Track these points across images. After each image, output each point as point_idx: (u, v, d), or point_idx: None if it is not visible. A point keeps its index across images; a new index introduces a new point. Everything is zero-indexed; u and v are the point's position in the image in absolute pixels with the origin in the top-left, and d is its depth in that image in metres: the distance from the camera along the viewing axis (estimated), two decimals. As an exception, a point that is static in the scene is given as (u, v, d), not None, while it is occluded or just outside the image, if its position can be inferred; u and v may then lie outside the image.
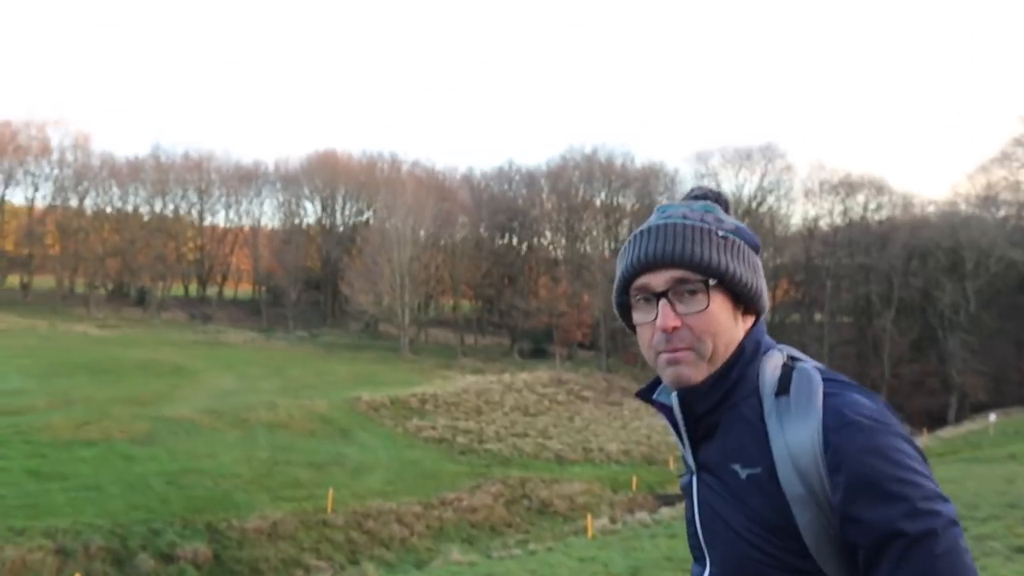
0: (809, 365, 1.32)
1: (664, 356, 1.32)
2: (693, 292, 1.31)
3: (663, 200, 62.02)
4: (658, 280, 1.32)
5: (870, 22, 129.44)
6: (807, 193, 58.35)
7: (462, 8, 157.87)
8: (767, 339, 1.40)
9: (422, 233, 54.02)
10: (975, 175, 57.38)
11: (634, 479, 27.25)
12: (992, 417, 35.38)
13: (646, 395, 1.45)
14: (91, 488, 19.13)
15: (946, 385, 49.22)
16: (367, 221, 68.24)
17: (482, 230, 63.24)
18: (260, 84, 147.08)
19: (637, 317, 1.37)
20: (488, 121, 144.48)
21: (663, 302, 1.31)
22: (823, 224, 58.70)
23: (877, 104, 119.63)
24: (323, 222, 71.35)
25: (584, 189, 62.22)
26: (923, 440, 35.21)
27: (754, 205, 59.02)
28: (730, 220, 1.40)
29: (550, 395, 40.42)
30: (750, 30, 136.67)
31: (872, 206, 57.73)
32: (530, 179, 65.14)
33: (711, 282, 1.30)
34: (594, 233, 61.65)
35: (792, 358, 1.36)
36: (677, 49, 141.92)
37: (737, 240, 1.36)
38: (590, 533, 17.55)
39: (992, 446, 28.97)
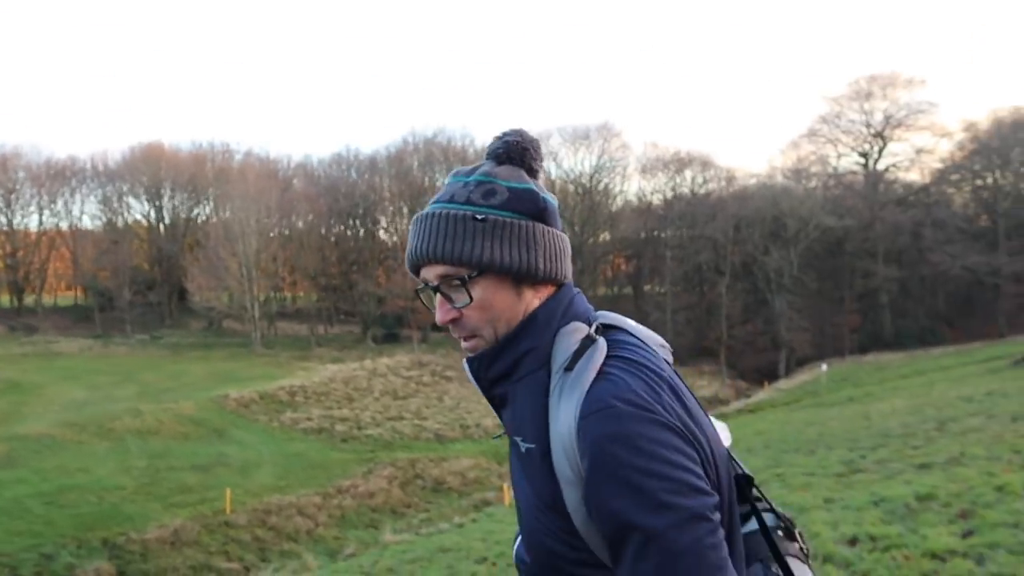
0: (609, 338, 1.28)
1: (462, 343, 1.35)
2: (458, 286, 1.29)
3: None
4: (430, 275, 1.32)
5: (694, 5, 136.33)
6: (642, 170, 61.60)
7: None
8: (577, 307, 1.35)
9: (267, 224, 52.17)
10: (787, 150, 63.05)
11: (515, 450, 28.31)
12: (824, 367, 39.50)
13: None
14: (-39, 518, 17.70)
15: (776, 343, 53.98)
16: (199, 216, 64.90)
17: (330, 220, 61.83)
18: (70, 73, 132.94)
19: (429, 304, 1.37)
20: (323, 107, 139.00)
21: (438, 296, 1.32)
22: (656, 199, 62.18)
23: (702, 83, 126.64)
24: (151, 219, 66.82)
25: (425, 173, 62.25)
26: (764, 393, 38.83)
27: (592, 183, 61.68)
28: (505, 187, 1.32)
29: (415, 377, 40.83)
30: (582, 12, 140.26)
31: (699, 180, 61.85)
32: (370, 165, 64.26)
33: (471, 274, 1.28)
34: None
35: (607, 327, 1.33)
36: (513, 31, 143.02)
37: (503, 218, 1.30)
38: (507, 501, 18.29)
39: (828, 392, 32.49)
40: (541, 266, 1.30)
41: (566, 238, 1.38)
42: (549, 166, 61.18)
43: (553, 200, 1.37)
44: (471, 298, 1.28)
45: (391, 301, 53.72)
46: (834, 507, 8.20)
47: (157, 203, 65.98)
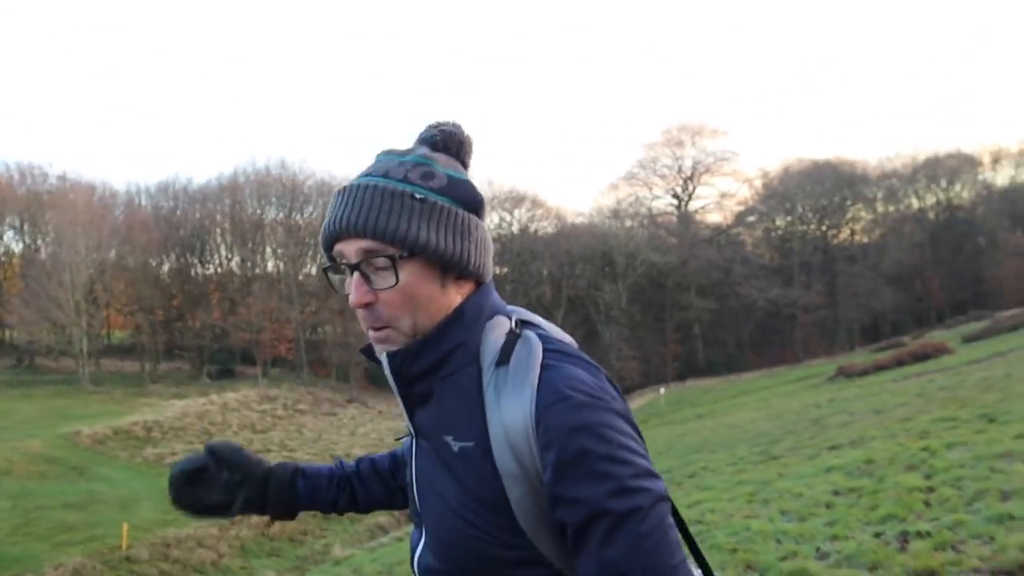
0: (534, 332, 1.25)
1: (371, 332, 1.24)
2: (383, 268, 1.20)
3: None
4: (349, 250, 1.21)
5: (527, 49, 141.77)
6: (479, 206, 63.50)
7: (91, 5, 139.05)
8: (497, 303, 1.31)
9: (98, 255, 48.87)
10: (607, 191, 67.96)
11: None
12: (662, 391, 43.05)
13: (369, 352, 1.33)
14: None
15: (607, 371, 57.35)
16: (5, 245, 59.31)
17: (164, 252, 58.73)
18: None
19: (338, 285, 1.29)
20: (128, 129, 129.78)
21: (356, 276, 1.21)
22: (492, 235, 64.34)
23: (531, 125, 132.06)
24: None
25: (261, 206, 60.85)
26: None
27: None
28: (443, 173, 1.25)
29: (269, 411, 40.02)
30: (413, 46, 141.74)
31: (529, 218, 65.04)
32: (201, 195, 61.75)
33: (401, 254, 1.19)
34: (271, 249, 60.83)
35: (523, 322, 1.30)
36: (353, 61, 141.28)
37: (441, 202, 1.22)
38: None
39: (672, 412, 35.63)
40: (472, 259, 1.25)
41: (488, 233, 1.33)
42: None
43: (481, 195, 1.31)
44: (397, 280, 1.19)
45: (236, 334, 51.96)
46: (790, 477, 10.06)
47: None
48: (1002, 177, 67.75)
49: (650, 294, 62.84)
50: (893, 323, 62.41)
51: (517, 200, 63.38)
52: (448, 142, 1.30)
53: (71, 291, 45.99)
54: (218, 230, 60.34)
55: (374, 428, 37.27)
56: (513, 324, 1.27)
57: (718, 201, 70.50)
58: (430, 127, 1.33)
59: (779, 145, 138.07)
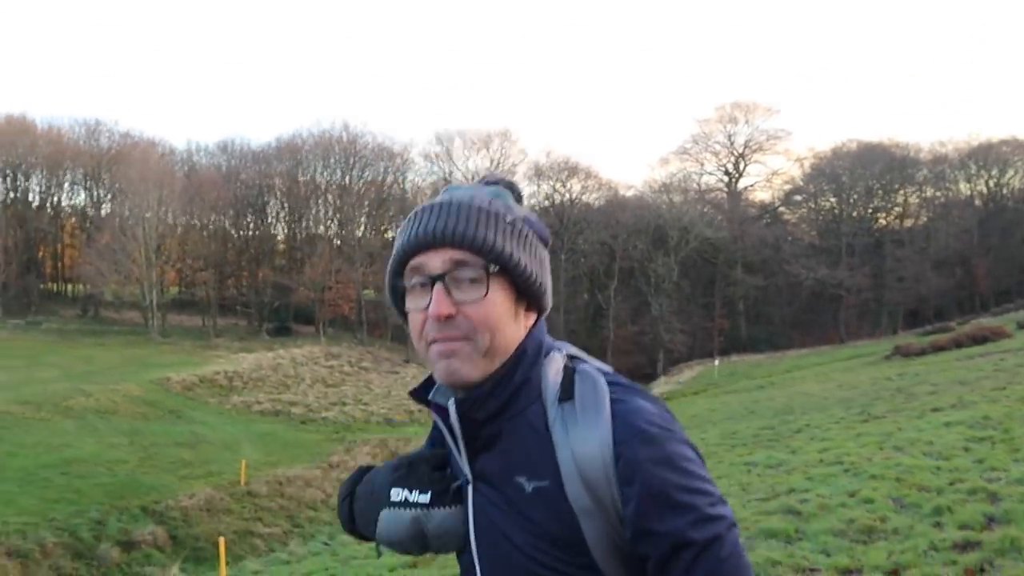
0: (591, 367, 1.26)
1: (436, 347, 1.20)
2: (473, 279, 1.19)
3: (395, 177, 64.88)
4: (435, 261, 1.20)
5: (588, 23, 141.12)
6: (537, 175, 64.81)
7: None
8: (548, 339, 1.32)
9: (168, 212, 50.73)
10: (656, 166, 68.51)
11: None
12: (716, 362, 44.16)
13: (420, 395, 1.33)
14: (-18, 488, 17.58)
15: (655, 343, 58.82)
16: (76, 199, 61.47)
17: (229, 210, 60.55)
18: None
19: (410, 303, 1.25)
20: (207, 93, 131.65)
21: (438, 286, 1.19)
22: (543, 205, 65.50)
23: (586, 99, 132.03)
24: (9, 200, 62.13)
25: (321, 166, 62.41)
26: (663, 386, 42.87)
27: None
28: (520, 208, 1.29)
29: (336, 367, 41.67)
30: (484, 23, 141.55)
31: (582, 188, 65.97)
32: (264, 156, 63.39)
33: (493, 268, 1.20)
34: (331, 210, 62.52)
35: (572, 358, 1.30)
36: (415, 33, 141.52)
37: (526, 228, 1.25)
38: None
39: (728, 383, 36.72)
40: (547, 288, 1.28)
41: None
42: (450, 169, 63.20)
43: None
44: (487, 291, 1.19)
45: (301, 292, 53.70)
46: (909, 430, 11.18)
47: (20, 184, 61.69)
48: (1056, 165, 67.31)
49: (700, 268, 63.60)
50: (936, 308, 62.62)
51: (572, 171, 64.32)
52: (511, 188, 1.32)
53: (143, 245, 47.83)
54: (277, 191, 61.91)
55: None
56: (565, 359, 1.29)
57: (768, 179, 70.87)
58: (491, 177, 1.35)
59: (831, 125, 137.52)
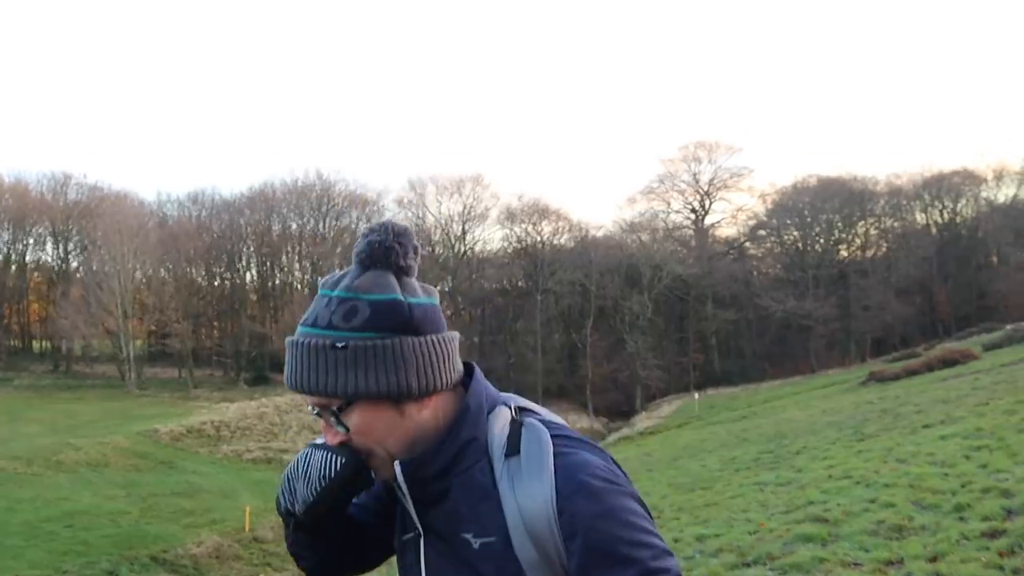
0: (538, 420, 1.28)
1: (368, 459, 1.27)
2: (335, 416, 1.23)
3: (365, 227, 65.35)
4: (309, 402, 1.26)
5: (556, 68, 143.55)
6: (509, 218, 65.87)
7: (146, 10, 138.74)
8: (493, 392, 1.32)
9: (145, 264, 50.65)
10: (624, 206, 70.10)
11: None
12: (696, 396, 44.96)
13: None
14: (-9, 543, 17.56)
15: (632, 380, 59.57)
16: (42, 256, 60.96)
17: (207, 261, 60.56)
18: None
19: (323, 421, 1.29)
20: (174, 144, 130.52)
21: (322, 422, 1.27)
22: (515, 248, 66.50)
23: (553, 143, 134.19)
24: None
25: (294, 215, 62.83)
26: (646, 421, 43.52)
27: (459, 230, 65.38)
28: (366, 302, 1.22)
29: (320, 413, 41.57)
30: (455, 70, 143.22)
31: (553, 230, 67.10)
32: (236, 205, 63.63)
33: (340, 406, 1.22)
34: (307, 259, 62.85)
35: (521, 410, 1.32)
36: (388, 81, 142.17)
37: (363, 341, 1.20)
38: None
39: (709, 415, 37.45)
40: (414, 384, 1.23)
41: (447, 337, 1.29)
42: (423, 214, 64.00)
43: (426, 300, 1.27)
44: (346, 428, 1.23)
45: (279, 340, 53.53)
46: (907, 445, 11.91)
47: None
48: (1004, 194, 70.34)
49: (673, 305, 64.84)
50: (901, 336, 64.43)
51: (543, 213, 65.48)
52: (374, 255, 1.26)
53: (119, 298, 47.63)
54: (250, 241, 62.13)
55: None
56: (513, 412, 1.30)
57: (733, 215, 72.79)
58: (361, 238, 1.29)
59: (792, 161, 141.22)
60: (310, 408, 1.27)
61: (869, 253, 70.61)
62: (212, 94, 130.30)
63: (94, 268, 49.58)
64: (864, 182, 69.67)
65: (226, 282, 62.89)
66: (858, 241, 70.85)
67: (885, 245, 70.79)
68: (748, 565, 7.14)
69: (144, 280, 51.20)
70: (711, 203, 71.28)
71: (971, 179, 70.11)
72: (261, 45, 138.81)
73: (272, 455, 30.24)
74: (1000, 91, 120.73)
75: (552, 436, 1.24)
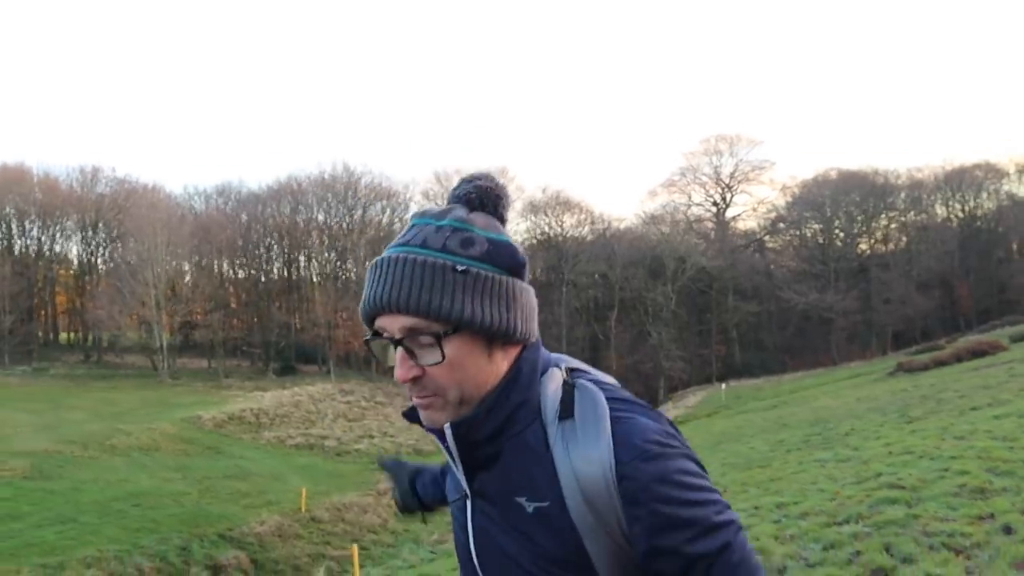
0: (590, 382, 1.25)
1: (417, 400, 1.23)
2: (430, 344, 1.17)
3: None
4: (392, 326, 1.19)
5: (580, 59, 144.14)
6: (533, 211, 66.45)
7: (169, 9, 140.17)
8: (546, 355, 1.30)
9: (177, 254, 51.64)
10: (646, 199, 70.59)
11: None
12: (723, 386, 45.54)
13: (413, 416, 1.30)
14: (67, 521, 18.36)
15: (656, 371, 60.23)
16: (72, 248, 62.03)
17: (235, 252, 61.50)
18: None
19: (382, 356, 1.25)
20: (201, 138, 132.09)
21: (399, 351, 1.19)
22: (539, 239, 67.13)
23: (574, 135, 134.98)
24: (6, 248, 62.48)
25: (320, 208, 63.65)
26: (673, 411, 44.10)
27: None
28: (483, 237, 1.22)
29: (353, 402, 42.45)
30: (479, 57, 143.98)
31: (576, 222, 67.75)
32: (263, 198, 64.43)
33: (445, 331, 1.17)
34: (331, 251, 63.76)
35: (573, 371, 1.30)
36: (414, 73, 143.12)
37: (483, 271, 1.19)
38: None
39: (737, 405, 37.98)
40: (519, 326, 1.23)
41: (533, 293, 1.29)
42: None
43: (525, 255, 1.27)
44: (443, 356, 1.17)
45: (311, 331, 54.55)
46: (961, 424, 12.45)
47: (18, 230, 62.15)
48: (1026, 188, 70.38)
49: (695, 297, 65.34)
50: (922, 329, 64.72)
51: (566, 205, 66.04)
52: (484, 199, 1.26)
53: (153, 289, 48.57)
54: (278, 233, 63.00)
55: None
56: (564, 374, 1.28)
57: (754, 208, 73.17)
58: (464, 182, 1.29)
59: (813, 154, 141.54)
60: (383, 335, 1.21)
61: (890, 247, 70.83)
62: (238, 89, 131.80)
63: (129, 260, 50.48)
64: (885, 175, 69.89)
65: (254, 273, 63.80)
66: (879, 234, 71.08)
67: (905, 239, 70.97)
68: (840, 524, 7.73)
69: (178, 271, 52.10)
70: (732, 196, 71.80)
71: (993, 173, 70.21)
72: (289, 41, 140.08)
73: (314, 441, 31.07)
74: (1022, 85, 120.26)
75: (608, 398, 1.23)
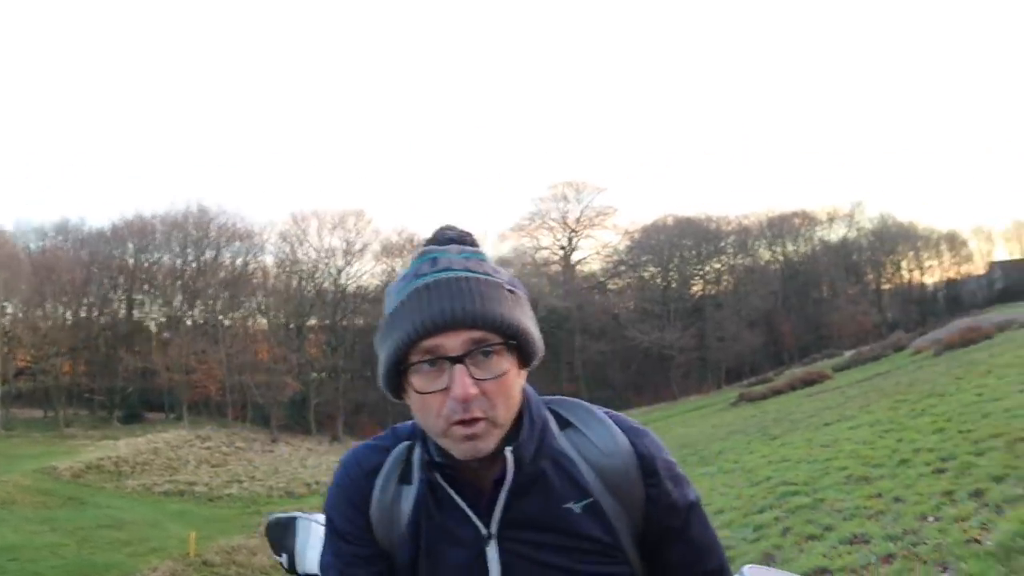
0: (559, 398, 1.41)
1: (460, 429, 1.17)
2: (490, 355, 1.17)
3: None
4: (454, 343, 1.16)
5: (434, 104, 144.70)
6: (387, 253, 66.59)
7: None
8: None
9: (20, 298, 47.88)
10: (497, 242, 73.12)
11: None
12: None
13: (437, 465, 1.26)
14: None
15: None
16: None
17: (82, 296, 57.48)
18: None
19: (421, 384, 1.18)
20: (39, 170, 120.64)
21: (459, 368, 1.15)
22: (390, 281, 66.86)
23: (429, 174, 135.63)
24: None
25: (172, 248, 61.21)
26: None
27: (341, 263, 65.76)
28: (503, 269, 1.28)
29: (214, 448, 41.06)
30: (332, 98, 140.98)
31: (429, 264, 68.16)
32: (104, 237, 61.05)
33: (509, 343, 1.19)
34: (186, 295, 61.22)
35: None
36: (270, 115, 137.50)
37: (520, 293, 1.26)
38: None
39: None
40: (542, 348, 1.28)
41: None
42: (305, 248, 63.87)
43: None
44: (508, 367, 1.19)
45: (163, 375, 51.86)
46: (821, 436, 14.54)
47: None
48: (836, 234, 79.16)
49: (546, 337, 67.43)
50: (751, 364, 70.40)
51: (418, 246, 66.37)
52: (467, 240, 1.29)
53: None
54: (125, 273, 59.91)
55: (321, 460, 39.40)
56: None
57: (598, 252, 77.27)
58: (444, 229, 1.31)
59: (653, 200, 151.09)
60: (439, 356, 1.16)
61: (721, 287, 76.96)
62: (80, 120, 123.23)
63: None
64: (717, 221, 76.27)
65: (95, 316, 60.03)
66: (711, 276, 77.15)
67: (734, 280, 77.39)
68: (758, 512, 9.25)
69: (16, 316, 48.33)
70: (578, 240, 75.56)
71: (808, 220, 78.29)
72: (135, 70, 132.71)
73: (183, 487, 30.04)
74: (833, 141, 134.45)
75: (581, 405, 1.40)
